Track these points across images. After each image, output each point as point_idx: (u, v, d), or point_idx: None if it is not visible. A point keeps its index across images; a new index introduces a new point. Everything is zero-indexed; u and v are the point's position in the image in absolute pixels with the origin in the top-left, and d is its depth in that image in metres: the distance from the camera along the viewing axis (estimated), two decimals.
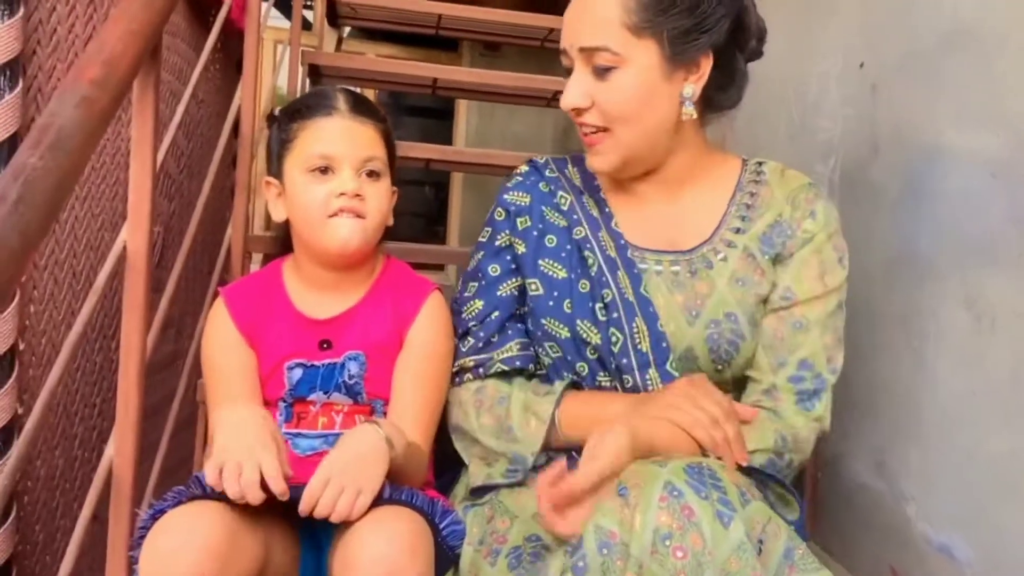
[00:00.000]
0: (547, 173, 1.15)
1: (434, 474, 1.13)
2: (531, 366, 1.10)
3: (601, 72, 0.99)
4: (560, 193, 1.13)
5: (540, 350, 1.09)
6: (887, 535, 1.26)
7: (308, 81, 2.34)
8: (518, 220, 1.12)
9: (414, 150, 2.24)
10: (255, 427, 0.88)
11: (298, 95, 1.72)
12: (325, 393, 1.07)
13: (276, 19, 2.66)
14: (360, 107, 1.07)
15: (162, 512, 0.85)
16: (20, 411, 1.14)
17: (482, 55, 4.03)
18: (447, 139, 4.19)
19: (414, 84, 2.56)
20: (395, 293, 1.10)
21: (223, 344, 1.07)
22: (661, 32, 0.97)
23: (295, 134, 1.05)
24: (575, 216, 1.10)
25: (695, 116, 1.02)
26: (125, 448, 0.98)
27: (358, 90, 1.16)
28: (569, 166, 1.17)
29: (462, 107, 4.11)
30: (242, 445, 0.85)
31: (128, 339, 0.97)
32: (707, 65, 1.01)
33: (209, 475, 0.84)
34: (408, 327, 1.08)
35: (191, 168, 1.78)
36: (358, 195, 1.03)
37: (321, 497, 0.84)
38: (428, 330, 1.08)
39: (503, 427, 1.03)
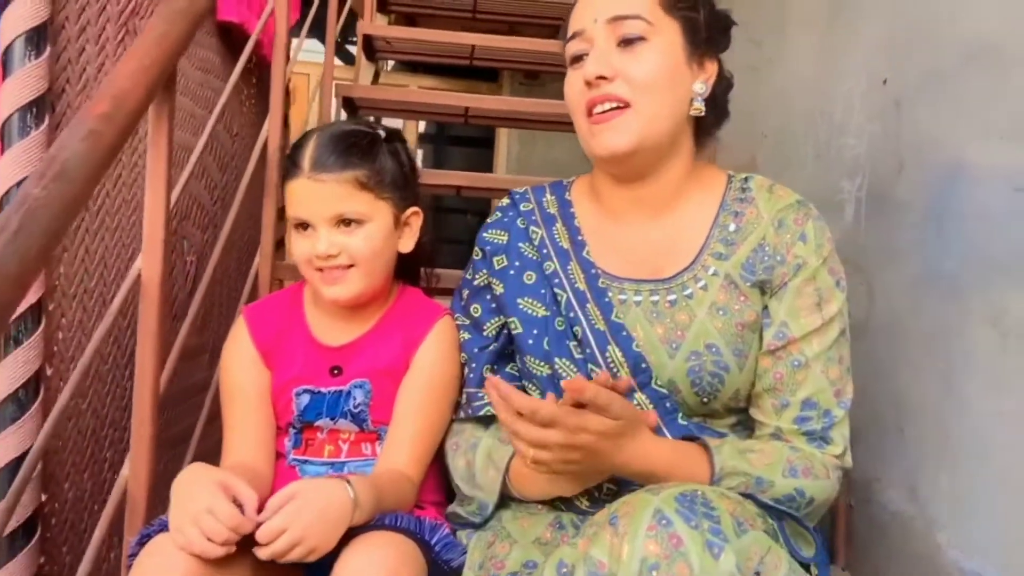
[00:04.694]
0: (522, 207, 1.14)
1: (447, 495, 1.13)
2: None
3: (628, 43, 1.00)
4: (532, 228, 1.11)
5: (529, 385, 1.06)
6: (918, 563, 1.21)
7: (344, 114, 2.40)
8: (494, 259, 1.11)
9: (445, 177, 2.28)
10: (197, 487, 0.87)
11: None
12: (331, 419, 1.08)
13: (318, 54, 2.72)
14: (323, 163, 1.03)
15: (149, 537, 0.87)
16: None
17: (521, 83, 4.08)
18: (488, 167, 4.23)
19: (446, 114, 2.60)
20: (406, 320, 1.11)
21: (240, 362, 1.10)
22: (684, 18, 1.02)
23: (285, 188, 1.08)
24: (545, 250, 1.08)
25: (703, 112, 1.04)
26: (140, 471, 1.00)
27: (380, 121, 1.16)
28: (547, 194, 1.15)
29: (502, 135, 4.15)
30: (184, 512, 0.85)
31: (142, 364, 1.00)
32: (712, 70, 1.05)
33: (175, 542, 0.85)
34: (415, 351, 1.08)
35: (225, 200, 1.83)
36: (330, 255, 1.04)
37: (275, 543, 0.84)
38: (433, 353, 1.08)
39: (470, 472, 1.03)
